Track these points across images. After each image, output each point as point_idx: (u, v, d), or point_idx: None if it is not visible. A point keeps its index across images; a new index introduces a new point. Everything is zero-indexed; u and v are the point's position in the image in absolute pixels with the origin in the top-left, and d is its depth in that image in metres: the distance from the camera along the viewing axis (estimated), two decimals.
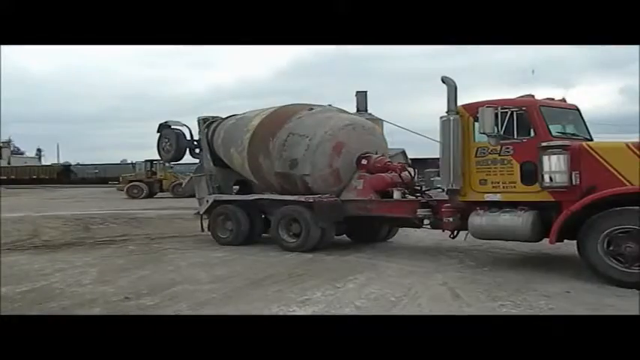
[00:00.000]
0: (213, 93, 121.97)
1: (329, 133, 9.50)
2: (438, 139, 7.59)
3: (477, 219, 7.26)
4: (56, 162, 65.42)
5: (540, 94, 7.38)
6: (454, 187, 7.36)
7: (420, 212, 8.30)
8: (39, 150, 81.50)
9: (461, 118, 7.33)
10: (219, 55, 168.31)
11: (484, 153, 7.22)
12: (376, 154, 9.79)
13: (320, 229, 9.19)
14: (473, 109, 7.25)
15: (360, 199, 9.25)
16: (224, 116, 11.77)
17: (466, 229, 7.77)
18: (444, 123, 7.37)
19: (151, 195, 29.66)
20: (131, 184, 30.15)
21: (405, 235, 10.85)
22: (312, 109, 10.19)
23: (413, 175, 9.71)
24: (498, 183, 7.12)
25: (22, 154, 76.32)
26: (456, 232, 8.07)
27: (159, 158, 30.85)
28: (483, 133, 6.84)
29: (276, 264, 8.14)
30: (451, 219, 7.70)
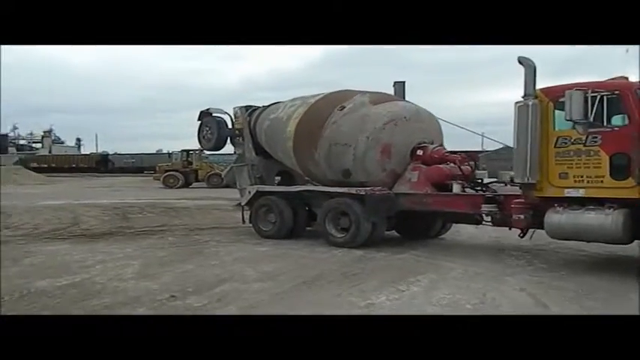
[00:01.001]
0: (245, 84, 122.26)
1: (371, 138, 8.72)
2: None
3: (556, 217, 6.46)
4: (94, 151, 66.80)
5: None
6: (530, 181, 6.57)
7: (485, 208, 7.54)
8: (78, 139, 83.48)
9: (539, 103, 6.52)
10: (250, 48, 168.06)
11: (566, 143, 6.41)
12: (432, 143, 9.05)
13: (371, 224, 8.55)
14: (554, 93, 6.45)
15: (415, 193, 8.55)
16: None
17: (537, 227, 7.01)
18: (521, 109, 6.58)
19: (186, 185, 29.59)
20: (167, 173, 30.14)
21: (456, 231, 10.10)
22: (343, 107, 9.19)
23: (473, 167, 8.91)
24: (582, 177, 6.31)
25: (62, 143, 78.42)
26: (525, 231, 7.28)
27: (194, 148, 30.94)
28: (570, 120, 6.03)
29: (325, 261, 7.57)
30: (522, 216, 6.93)
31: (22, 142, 77.30)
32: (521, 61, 6.66)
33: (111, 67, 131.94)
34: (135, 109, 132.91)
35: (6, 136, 69.54)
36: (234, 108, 11.34)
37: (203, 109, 11.75)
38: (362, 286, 5.88)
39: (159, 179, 30.46)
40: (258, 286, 5.92)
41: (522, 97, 6.66)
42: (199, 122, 11.73)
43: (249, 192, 10.43)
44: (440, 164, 8.70)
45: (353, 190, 8.69)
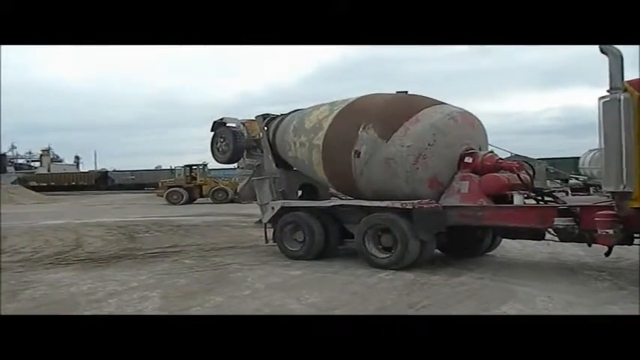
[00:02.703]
0: (242, 99, 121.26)
1: (410, 180, 7.74)
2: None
3: None
4: (93, 168, 65.88)
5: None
6: (626, 190, 5.55)
7: (559, 222, 6.50)
8: (77, 157, 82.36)
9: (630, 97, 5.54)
10: (245, 63, 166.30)
11: None
12: (480, 149, 8.03)
13: (419, 242, 7.51)
14: None
15: (467, 205, 7.51)
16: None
17: (627, 243, 6.00)
18: (607, 105, 5.59)
19: (190, 201, 28.60)
20: (171, 189, 29.12)
21: (501, 246, 9.06)
22: (358, 153, 7.97)
23: (532, 175, 7.86)
24: None
25: (60, 161, 77.42)
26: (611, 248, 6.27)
27: (197, 163, 29.90)
28: None
29: (376, 287, 6.52)
30: (611, 231, 5.89)
31: (20, 160, 76.44)
32: (605, 50, 5.67)
33: (107, 84, 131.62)
34: (132, 125, 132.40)
35: (4, 155, 68.66)
36: (238, 120, 10.57)
37: (217, 119, 10.80)
38: None
39: (162, 196, 29.47)
40: None
41: (608, 92, 5.68)
42: (212, 134, 10.79)
43: (273, 208, 9.37)
44: (494, 172, 7.67)
45: (397, 204, 7.63)
